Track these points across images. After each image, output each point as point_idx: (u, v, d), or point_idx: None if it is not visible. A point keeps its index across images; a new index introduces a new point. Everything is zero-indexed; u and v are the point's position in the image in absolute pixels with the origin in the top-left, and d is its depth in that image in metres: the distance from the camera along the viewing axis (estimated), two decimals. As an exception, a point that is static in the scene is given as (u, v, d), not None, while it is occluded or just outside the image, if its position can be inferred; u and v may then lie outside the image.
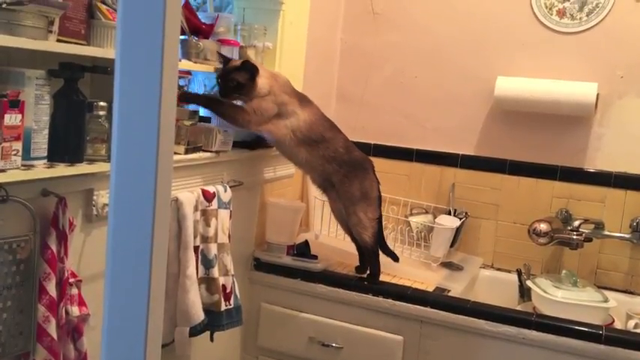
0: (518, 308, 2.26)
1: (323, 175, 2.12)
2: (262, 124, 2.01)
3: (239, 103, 1.99)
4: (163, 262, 0.64)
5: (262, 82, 1.99)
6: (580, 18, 2.40)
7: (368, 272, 2.18)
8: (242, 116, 1.97)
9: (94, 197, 1.50)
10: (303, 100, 2.09)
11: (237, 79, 1.94)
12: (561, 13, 2.43)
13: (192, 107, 2.00)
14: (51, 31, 1.19)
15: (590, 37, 2.39)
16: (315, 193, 2.37)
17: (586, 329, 1.89)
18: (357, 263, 2.25)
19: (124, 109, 0.61)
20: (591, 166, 2.43)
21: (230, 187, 1.96)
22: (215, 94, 2.05)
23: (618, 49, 2.35)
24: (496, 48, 2.53)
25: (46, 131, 1.25)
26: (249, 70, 1.95)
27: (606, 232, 2.37)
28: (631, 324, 2.13)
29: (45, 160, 1.26)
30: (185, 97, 1.95)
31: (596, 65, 2.38)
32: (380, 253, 2.19)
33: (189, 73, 2.08)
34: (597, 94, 2.32)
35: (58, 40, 1.23)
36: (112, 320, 0.62)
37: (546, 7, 2.45)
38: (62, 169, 1.28)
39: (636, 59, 2.33)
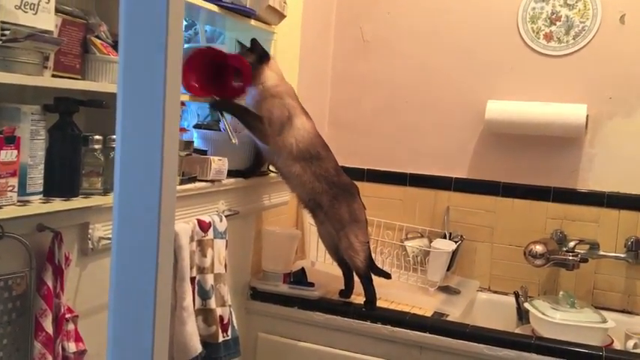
0: (517, 331, 2.25)
1: (311, 194, 2.10)
2: (278, 135, 2.01)
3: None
4: (168, 297, 0.63)
5: (270, 76, 2.02)
6: (567, 41, 2.44)
7: (365, 299, 2.17)
8: (261, 128, 2.00)
9: (90, 231, 1.49)
10: (305, 111, 2.11)
11: (246, 57, 1.99)
12: (548, 37, 2.47)
13: (186, 137, 2.01)
14: (46, 67, 1.19)
15: (577, 59, 2.43)
16: (310, 220, 2.37)
17: (586, 350, 1.88)
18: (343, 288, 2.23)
19: (126, 142, 0.61)
20: (584, 187, 2.44)
21: (226, 216, 1.95)
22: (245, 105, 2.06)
23: (606, 70, 2.39)
24: (486, 72, 2.56)
25: (42, 166, 1.24)
26: (258, 52, 1.99)
27: (601, 252, 2.38)
28: (630, 344, 2.12)
29: (41, 195, 1.26)
30: (219, 105, 1.97)
31: (584, 87, 2.41)
32: (372, 273, 2.19)
33: (183, 103, 2.09)
34: (587, 116, 2.35)
35: (53, 75, 1.23)
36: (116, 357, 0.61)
37: (533, 32, 2.49)
38: (58, 204, 1.27)
39: (623, 80, 2.37)
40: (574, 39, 2.43)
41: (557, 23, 2.45)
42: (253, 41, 2.03)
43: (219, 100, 1.97)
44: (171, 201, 0.61)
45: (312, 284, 2.25)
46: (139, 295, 0.61)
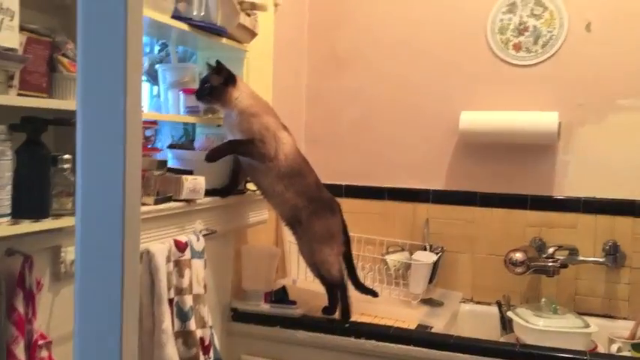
0: (502, 340, 2.24)
1: (292, 210, 2.09)
2: (275, 150, 2.00)
3: (217, 107, 2.04)
4: (135, 318, 0.61)
5: (242, 97, 2.00)
6: (536, 51, 2.48)
7: (340, 309, 2.14)
8: (258, 152, 1.99)
9: (62, 254, 1.45)
10: (285, 127, 2.11)
11: (211, 81, 1.97)
12: (517, 47, 2.51)
13: (160, 156, 1.98)
14: (11, 86, 1.17)
15: (547, 68, 2.46)
16: (290, 237, 2.35)
17: (571, 356, 1.87)
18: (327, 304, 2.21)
19: (87, 160, 0.59)
20: (560, 194, 2.46)
21: (203, 235, 1.92)
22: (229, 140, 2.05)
23: (574, 77, 2.42)
24: (458, 84, 2.58)
25: (9, 187, 1.21)
26: (224, 74, 1.97)
27: (581, 258, 2.39)
28: (614, 348, 2.12)
29: (9, 218, 1.22)
30: (213, 155, 1.98)
31: (555, 95, 2.45)
32: (359, 293, 2.17)
33: (155, 123, 2.07)
34: (559, 123, 2.38)
35: (19, 94, 1.21)
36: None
37: (502, 42, 2.52)
38: (27, 226, 1.24)
39: (592, 87, 2.40)
40: (542, 48, 2.47)
41: (526, 33, 2.49)
42: (218, 63, 2.01)
43: (209, 154, 1.98)
44: (136, 220, 0.59)
45: (294, 302, 2.22)
46: (105, 317, 0.59)
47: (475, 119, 2.48)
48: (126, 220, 0.57)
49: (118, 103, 0.59)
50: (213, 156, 1.99)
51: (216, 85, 1.98)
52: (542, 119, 2.39)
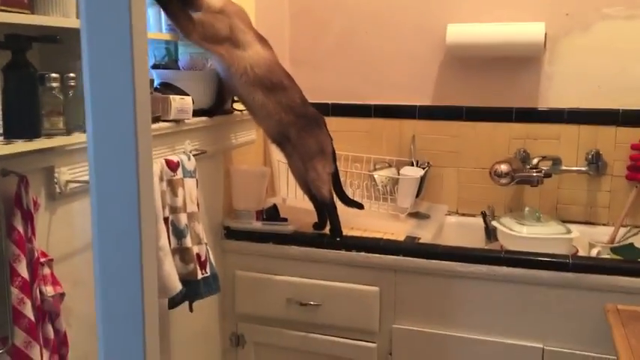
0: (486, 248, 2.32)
1: (279, 126, 2.08)
2: (208, 41, 1.93)
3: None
4: (152, 230, 0.63)
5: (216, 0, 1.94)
6: (523, -41, 2.43)
7: (329, 227, 2.20)
8: (186, 22, 1.89)
9: (56, 175, 1.46)
10: (262, 38, 2.06)
11: None
12: (504, -44, 2.45)
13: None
14: (-8, 1, 1.14)
15: (533, -23, 2.42)
16: (278, 156, 2.36)
17: (553, 260, 1.95)
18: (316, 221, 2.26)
19: (96, 79, 0.58)
20: (545, 105, 2.49)
21: (193, 155, 1.93)
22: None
23: (562, -13, 2.39)
24: (443, -4, 2.54)
25: (-1, 107, 1.20)
26: None
27: (564, 167, 2.44)
28: (594, 252, 2.21)
29: (1, 138, 1.22)
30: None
31: (542, 4, 2.42)
32: (342, 206, 2.22)
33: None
34: (545, 34, 2.37)
35: (1, 11, 1.17)
36: (105, 295, 0.60)
37: (489, -48, 2.46)
38: (21, 145, 1.23)
39: (579, -4, 2.38)
40: (529, -43, 2.42)
41: (513, -59, 2.43)
42: None
43: None
44: (148, 135, 0.59)
45: (285, 219, 2.27)
46: (124, 234, 0.61)
47: (462, 32, 2.46)
48: (138, 136, 0.57)
49: (124, 22, 0.58)
50: None
51: None
52: (528, 30, 2.37)
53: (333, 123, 2.56)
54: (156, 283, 0.65)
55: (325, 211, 2.23)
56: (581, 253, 2.22)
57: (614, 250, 2.20)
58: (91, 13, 0.59)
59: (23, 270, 1.31)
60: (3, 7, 1.18)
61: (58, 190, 1.47)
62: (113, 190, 0.61)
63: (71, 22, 1.31)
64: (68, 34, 1.32)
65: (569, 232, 2.19)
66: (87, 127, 0.61)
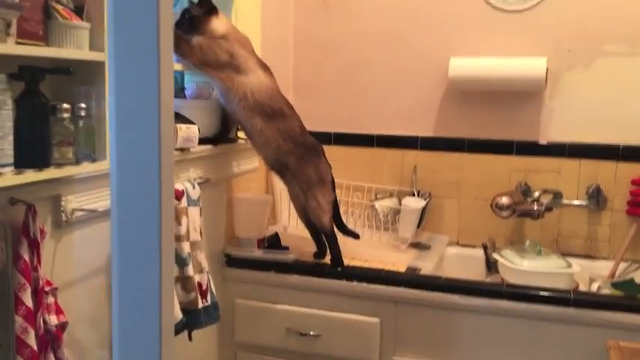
0: (487, 281, 2.32)
1: (277, 154, 2.09)
2: (207, 65, 1.96)
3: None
4: (171, 252, 0.63)
5: (219, 25, 1.98)
6: (525, -4, 2.47)
7: (330, 257, 2.20)
8: (185, 46, 1.93)
9: (62, 203, 1.47)
10: (264, 66, 2.08)
11: (192, 10, 1.95)
12: (507, -8, 2.50)
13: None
14: (9, 34, 1.15)
15: (535, 13, 2.47)
16: (280, 185, 2.37)
17: (555, 294, 1.95)
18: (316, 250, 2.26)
19: (122, 105, 0.59)
20: (545, 139, 2.51)
21: (198, 184, 1.94)
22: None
23: (563, 23, 2.43)
24: (447, 30, 2.58)
25: (12, 137, 1.21)
26: (205, 4, 1.95)
27: (565, 201, 2.46)
28: (594, 286, 2.21)
29: (12, 167, 1.23)
30: None
31: (543, 40, 2.46)
32: (342, 235, 2.23)
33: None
34: (547, 69, 2.40)
35: (17, 43, 1.19)
36: (123, 316, 0.61)
37: (492, -13, 2.51)
38: (31, 175, 1.24)
39: (580, 32, 2.42)
40: (531, -7, 2.46)
41: (515, -22, 2.48)
42: None
43: None
44: (170, 164, 0.60)
45: (286, 248, 2.27)
46: (143, 259, 0.61)
47: (464, 66, 2.49)
48: (162, 164, 0.58)
49: (152, 48, 0.59)
50: None
51: (197, 15, 1.95)
52: (530, 65, 2.41)
53: (335, 152, 2.58)
54: (172, 308, 0.65)
55: (324, 240, 2.23)
56: (581, 287, 2.22)
57: (614, 285, 2.20)
58: (120, 45, 0.60)
59: (28, 299, 1.31)
60: (19, 40, 1.20)
61: (64, 218, 1.47)
62: (135, 218, 0.61)
63: (84, 54, 1.33)
64: (80, 66, 1.34)
65: (569, 266, 2.19)
66: (111, 154, 0.61)
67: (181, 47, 1.92)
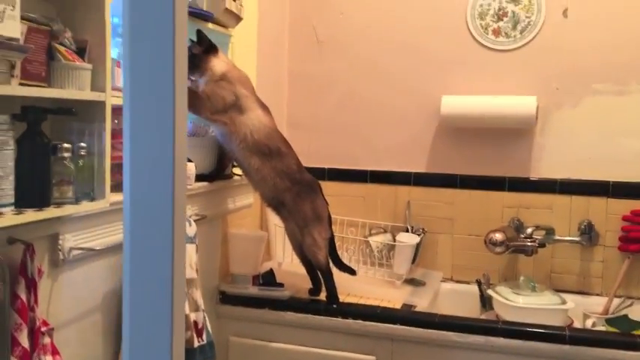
0: (482, 317, 2.32)
1: (274, 191, 2.10)
2: (217, 113, 1.98)
3: (192, 80, 2.00)
4: (182, 290, 0.64)
5: (218, 64, 2.00)
6: (514, 36, 2.54)
7: (326, 294, 2.19)
8: (195, 102, 1.94)
9: (60, 241, 1.46)
10: (263, 105, 2.10)
11: (192, 49, 1.97)
12: (497, 32, 2.56)
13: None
14: (13, 75, 1.17)
15: (525, 53, 2.53)
16: (275, 220, 2.38)
17: (551, 331, 1.96)
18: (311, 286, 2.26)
19: (136, 137, 0.60)
20: (536, 175, 2.54)
21: (194, 220, 1.94)
22: None
23: (552, 62, 2.49)
24: (438, 69, 2.63)
25: (12, 177, 1.21)
26: (205, 42, 1.98)
27: (557, 237, 2.48)
28: (588, 323, 2.23)
29: (12, 207, 1.23)
30: None
31: (533, 79, 2.51)
32: (337, 271, 2.22)
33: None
34: (537, 107, 2.45)
35: (20, 84, 1.20)
36: (133, 353, 0.61)
37: (482, 28, 2.57)
38: (31, 215, 1.24)
39: (569, 71, 2.48)
40: (521, 33, 2.53)
41: (505, 19, 2.55)
42: (198, 32, 1.99)
43: None
44: (183, 198, 0.61)
45: (281, 285, 2.26)
46: (155, 295, 0.61)
47: (456, 104, 2.54)
48: (175, 199, 0.59)
49: (167, 86, 0.60)
50: None
51: (197, 54, 1.98)
52: (520, 103, 2.46)
53: (328, 187, 2.59)
54: (183, 347, 0.65)
55: (319, 276, 2.23)
56: (575, 323, 2.23)
57: (608, 321, 2.21)
58: (135, 86, 0.61)
59: (24, 339, 1.30)
60: (22, 81, 1.21)
61: (61, 257, 1.47)
62: (148, 252, 0.62)
63: (86, 94, 1.34)
64: (81, 106, 1.35)
65: (564, 302, 2.20)
66: (124, 188, 0.62)
67: (191, 102, 1.94)
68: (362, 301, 2.24)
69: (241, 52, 2.33)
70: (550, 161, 2.53)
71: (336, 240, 2.29)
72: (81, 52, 1.38)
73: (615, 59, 2.42)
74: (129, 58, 0.58)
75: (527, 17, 2.52)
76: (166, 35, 0.56)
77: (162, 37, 0.57)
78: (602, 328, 2.18)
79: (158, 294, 0.60)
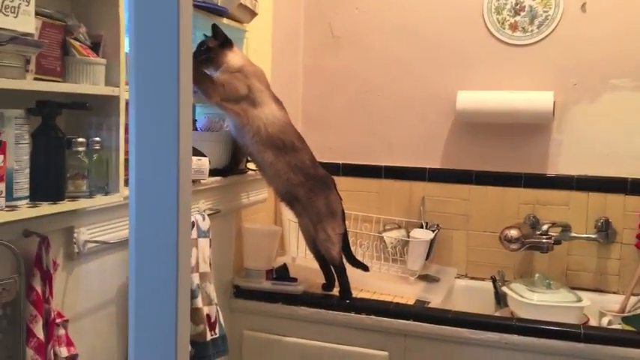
0: (496, 314, 2.31)
1: (287, 186, 2.10)
2: (228, 102, 1.99)
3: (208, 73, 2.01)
4: (188, 284, 0.64)
5: (234, 58, 2.01)
6: (532, 30, 2.51)
7: (339, 289, 2.19)
8: (208, 85, 1.96)
9: (75, 235, 1.48)
10: (277, 100, 2.10)
11: (207, 43, 1.99)
12: (514, 27, 2.53)
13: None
14: (28, 70, 1.18)
15: (542, 47, 2.50)
16: (289, 215, 2.38)
17: (565, 329, 1.94)
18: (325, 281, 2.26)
19: (141, 133, 0.61)
20: (553, 172, 2.52)
21: (207, 215, 1.95)
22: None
23: (570, 57, 2.46)
24: (455, 64, 2.61)
25: (28, 171, 1.23)
26: (220, 37, 1.99)
27: (573, 234, 2.45)
28: (604, 321, 2.20)
29: (27, 200, 1.25)
30: None
31: (550, 74, 2.48)
32: (350, 266, 2.22)
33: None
34: (554, 102, 2.42)
35: (35, 79, 1.22)
36: (139, 347, 0.61)
37: (499, 22, 2.55)
38: (45, 208, 1.26)
39: (587, 66, 2.44)
40: (538, 28, 2.50)
41: (522, 13, 2.52)
42: (214, 27, 2.00)
43: None
44: (188, 194, 0.62)
45: (295, 279, 2.27)
46: (160, 290, 0.62)
47: (472, 99, 2.52)
48: (180, 194, 0.59)
49: (172, 82, 0.60)
50: None
51: (212, 47, 1.99)
52: (537, 99, 2.43)
53: (343, 183, 2.59)
54: (188, 340, 0.65)
55: (333, 272, 2.23)
56: (591, 321, 2.21)
57: (625, 319, 2.18)
58: (140, 83, 0.61)
59: (39, 331, 1.32)
60: (37, 76, 1.23)
61: (76, 250, 1.49)
62: (153, 246, 0.62)
63: (100, 89, 1.36)
64: (96, 101, 1.36)
65: (579, 300, 2.18)
66: (130, 184, 0.62)
67: (205, 86, 1.96)
68: (375, 297, 2.23)
69: (256, 48, 2.33)
70: (567, 157, 2.50)
71: (350, 235, 2.29)
72: (95, 47, 1.39)
73: (634, 55, 2.38)
74: (134, 53, 0.59)
75: (544, 11, 2.49)
76: (171, 31, 0.56)
77: (166, 33, 0.57)
78: (619, 327, 2.15)
79: (163, 289, 0.61)
